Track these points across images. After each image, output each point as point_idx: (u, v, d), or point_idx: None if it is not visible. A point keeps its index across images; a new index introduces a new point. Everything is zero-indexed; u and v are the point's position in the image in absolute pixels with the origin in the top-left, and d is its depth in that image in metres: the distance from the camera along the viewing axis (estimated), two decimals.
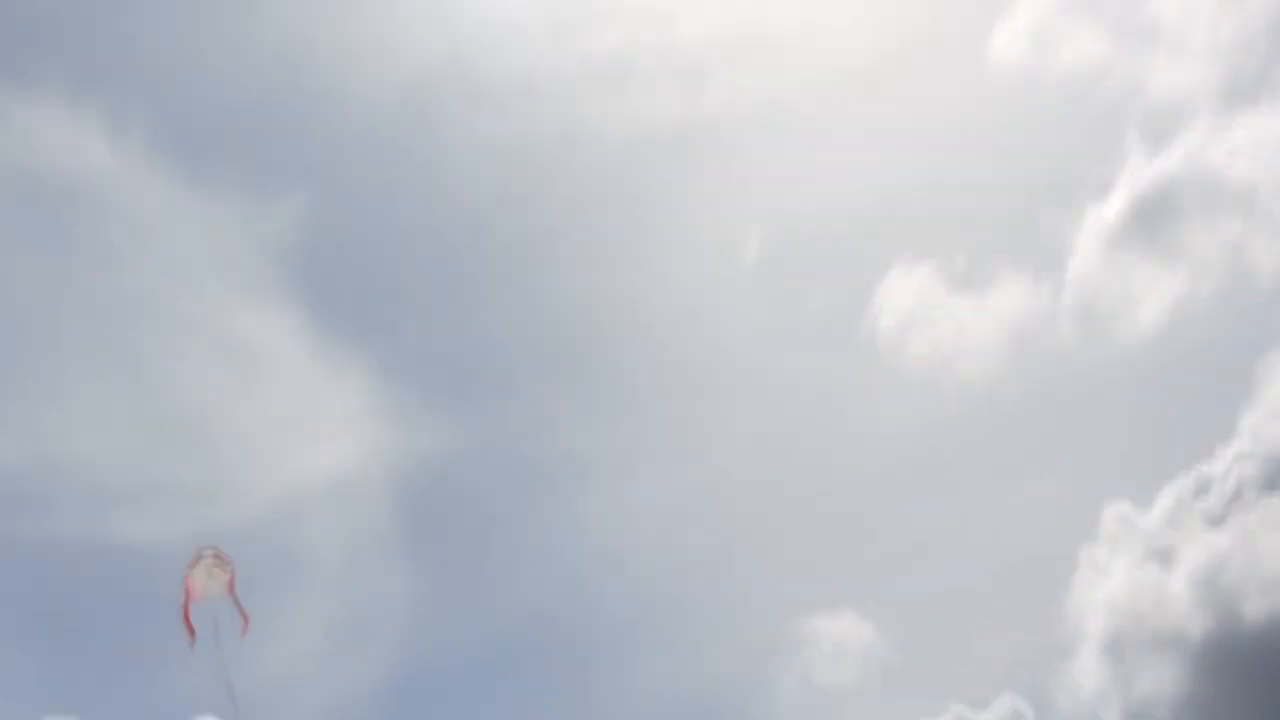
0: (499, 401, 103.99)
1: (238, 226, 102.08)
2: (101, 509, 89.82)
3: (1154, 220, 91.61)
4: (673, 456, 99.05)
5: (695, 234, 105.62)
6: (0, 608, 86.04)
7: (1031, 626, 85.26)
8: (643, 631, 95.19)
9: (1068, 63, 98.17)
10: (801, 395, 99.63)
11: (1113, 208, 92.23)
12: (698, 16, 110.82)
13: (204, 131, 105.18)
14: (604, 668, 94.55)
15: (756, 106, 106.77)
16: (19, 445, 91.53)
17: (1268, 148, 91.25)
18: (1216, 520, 78.08)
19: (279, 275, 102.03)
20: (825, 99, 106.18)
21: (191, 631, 49.17)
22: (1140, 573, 78.68)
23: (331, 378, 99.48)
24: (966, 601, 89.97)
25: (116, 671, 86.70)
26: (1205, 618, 75.18)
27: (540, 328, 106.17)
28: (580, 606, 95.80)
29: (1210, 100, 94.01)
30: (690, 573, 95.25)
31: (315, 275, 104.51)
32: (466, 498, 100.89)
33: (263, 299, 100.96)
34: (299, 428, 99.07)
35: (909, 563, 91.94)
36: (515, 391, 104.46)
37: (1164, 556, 78.37)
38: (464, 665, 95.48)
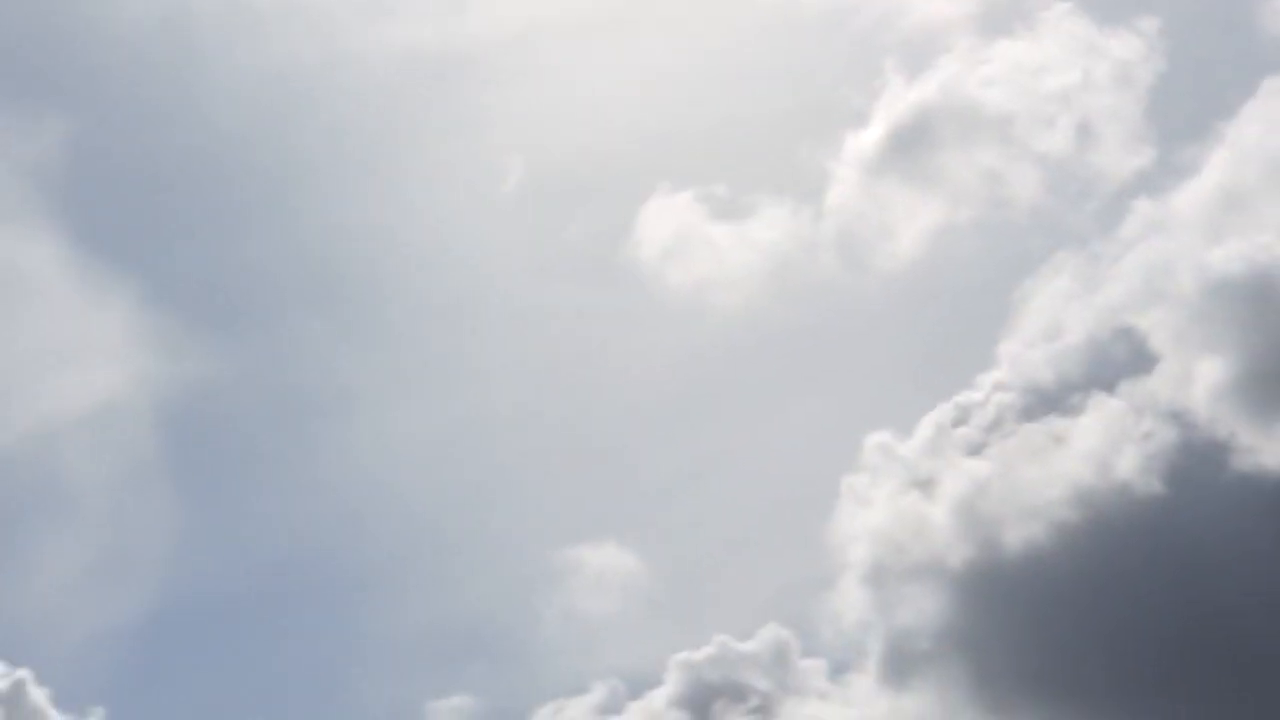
0: (262, 329, 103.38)
1: None
2: None
3: (912, 149, 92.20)
4: (437, 386, 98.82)
5: (457, 162, 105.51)
6: None
7: (795, 557, 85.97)
8: (408, 563, 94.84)
9: None
10: (563, 325, 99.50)
11: (871, 136, 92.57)
12: None
13: None
14: (369, 600, 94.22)
15: (519, 32, 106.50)
16: None
17: (1023, 76, 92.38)
18: (976, 449, 78.93)
19: (39, 200, 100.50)
20: (587, 26, 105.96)
21: None
22: (901, 502, 79.28)
23: (93, 304, 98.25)
24: (730, 532, 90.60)
25: None
26: (966, 546, 76.03)
27: (304, 255, 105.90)
28: (345, 538, 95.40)
29: (966, 29, 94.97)
30: (455, 504, 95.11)
31: (77, 200, 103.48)
32: (231, 427, 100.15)
33: (21, 224, 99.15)
34: (59, 355, 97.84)
35: (671, 493, 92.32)
36: (280, 320, 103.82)
37: (924, 485, 79.02)
38: (228, 598, 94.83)
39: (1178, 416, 74.86)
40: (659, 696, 79.18)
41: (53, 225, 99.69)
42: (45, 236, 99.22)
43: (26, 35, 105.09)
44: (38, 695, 79.55)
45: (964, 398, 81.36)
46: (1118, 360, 78.71)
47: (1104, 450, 75.08)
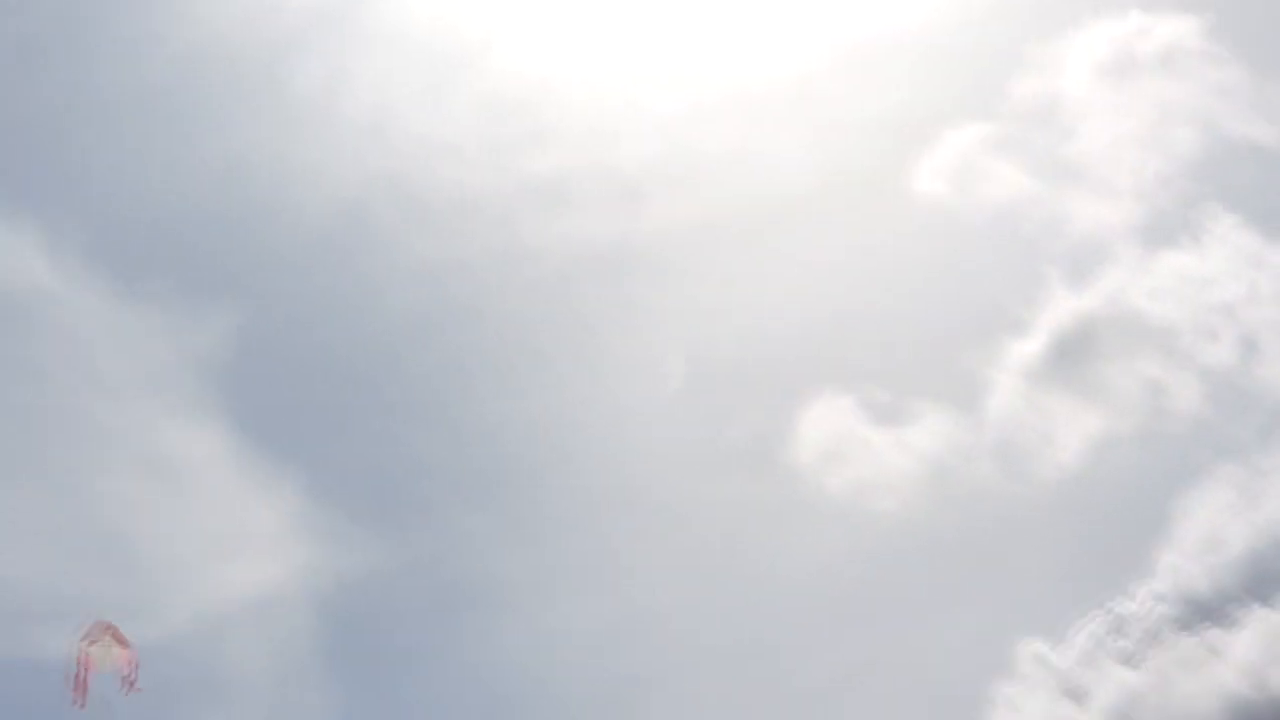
0: (423, 523, 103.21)
1: (168, 341, 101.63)
2: (23, 625, 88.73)
3: (1074, 358, 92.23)
4: (593, 582, 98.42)
5: (623, 358, 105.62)
6: None
7: None
8: None
9: (990, 198, 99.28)
10: (721, 524, 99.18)
11: (1033, 344, 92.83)
12: (636, 139, 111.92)
13: (140, 245, 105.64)
14: None
15: (691, 229, 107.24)
16: None
17: (1186, 287, 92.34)
18: (1131, 659, 78.18)
19: (208, 391, 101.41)
20: (754, 227, 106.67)
21: (83, 696, 50.70)
22: (1054, 711, 78.59)
23: (257, 496, 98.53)
24: None
25: None
26: None
27: (467, 450, 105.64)
28: None
29: (1130, 239, 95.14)
30: (608, 701, 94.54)
31: (244, 392, 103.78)
32: (389, 619, 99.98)
33: (191, 415, 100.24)
34: (223, 545, 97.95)
35: (826, 697, 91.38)
36: (440, 513, 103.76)
37: (1077, 695, 78.34)
38: None
39: None
40: None
41: (219, 417, 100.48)
42: (211, 426, 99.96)
43: (199, 223, 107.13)
44: None
45: (1120, 607, 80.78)
46: (1277, 574, 77.89)
47: (1261, 664, 74.15)
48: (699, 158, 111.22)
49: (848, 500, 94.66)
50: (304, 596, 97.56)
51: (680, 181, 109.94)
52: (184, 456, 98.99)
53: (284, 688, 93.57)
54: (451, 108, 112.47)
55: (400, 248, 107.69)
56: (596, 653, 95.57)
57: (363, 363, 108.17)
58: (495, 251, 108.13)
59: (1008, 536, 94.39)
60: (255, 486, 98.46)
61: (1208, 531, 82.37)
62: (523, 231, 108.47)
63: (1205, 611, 78.03)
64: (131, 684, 51.79)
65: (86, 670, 51.38)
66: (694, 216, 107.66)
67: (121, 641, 52.38)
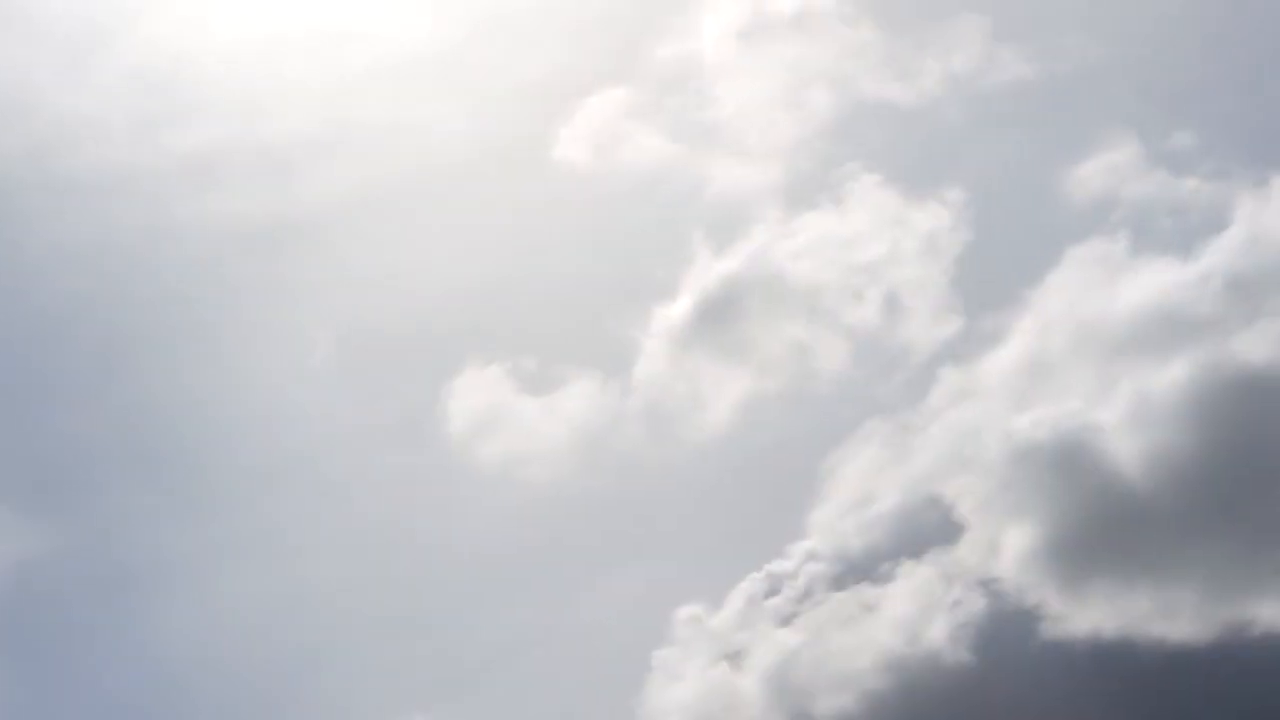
0: (82, 506, 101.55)
1: None
2: None
3: (720, 321, 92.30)
4: (255, 559, 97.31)
5: (275, 334, 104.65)
6: None
7: None
8: None
9: (631, 164, 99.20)
10: (377, 498, 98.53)
11: (679, 308, 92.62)
12: (283, 111, 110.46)
13: None
14: None
15: (339, 203, 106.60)
16: None
17: (829, 248, 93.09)
18: (786, 619, 78.41)
19: None
20: (402, 198, 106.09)
21: None
22: (711, 674, 78.42)
23: None
24: (542, 706, 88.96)
25: None
26: (777, 717, 75.19)
27: (124, 431, 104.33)
28: (168, 715, 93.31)
29: (772, 201, 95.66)
30: (273, 679, 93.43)
31: None
32: (48, 603, 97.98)
33: None
34: None
35: (483, 667, 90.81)
36: (98, 495, 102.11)
37: (734, 657, 78.29)
38: None
39: (986, 584, 74.96)
40: None
41: None
42: None
43: None
44: None
45: (775, 567, 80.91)
46: (927, 528, 78.77)
47: (914, 618, 74.93)
48: (347, 128, 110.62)
49: (500, 470, 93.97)
50: None
51: (328, 153, 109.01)
52: None
53: None
54: (96, 84, 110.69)
55: (45, 227, 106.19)
56: (262, 628, 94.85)
57: (11, 343, 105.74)
58: (145, 229, 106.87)
59: (660, 502, 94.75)
60: None
61: (857, 489, 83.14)
62: (173, 208, 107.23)
63: (858, 568, 78.68)
64: None
65: None
66: (342, 189, 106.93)
67: None
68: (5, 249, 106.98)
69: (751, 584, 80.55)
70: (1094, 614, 72.29)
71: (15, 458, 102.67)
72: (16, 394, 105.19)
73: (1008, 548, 75.53)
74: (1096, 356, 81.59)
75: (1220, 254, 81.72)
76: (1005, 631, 73.15)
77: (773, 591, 79.79)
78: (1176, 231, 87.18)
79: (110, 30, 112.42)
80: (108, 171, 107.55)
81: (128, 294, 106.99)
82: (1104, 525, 74.82)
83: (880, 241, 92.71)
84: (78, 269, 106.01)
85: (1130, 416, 77.31)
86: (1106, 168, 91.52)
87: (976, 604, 74.26)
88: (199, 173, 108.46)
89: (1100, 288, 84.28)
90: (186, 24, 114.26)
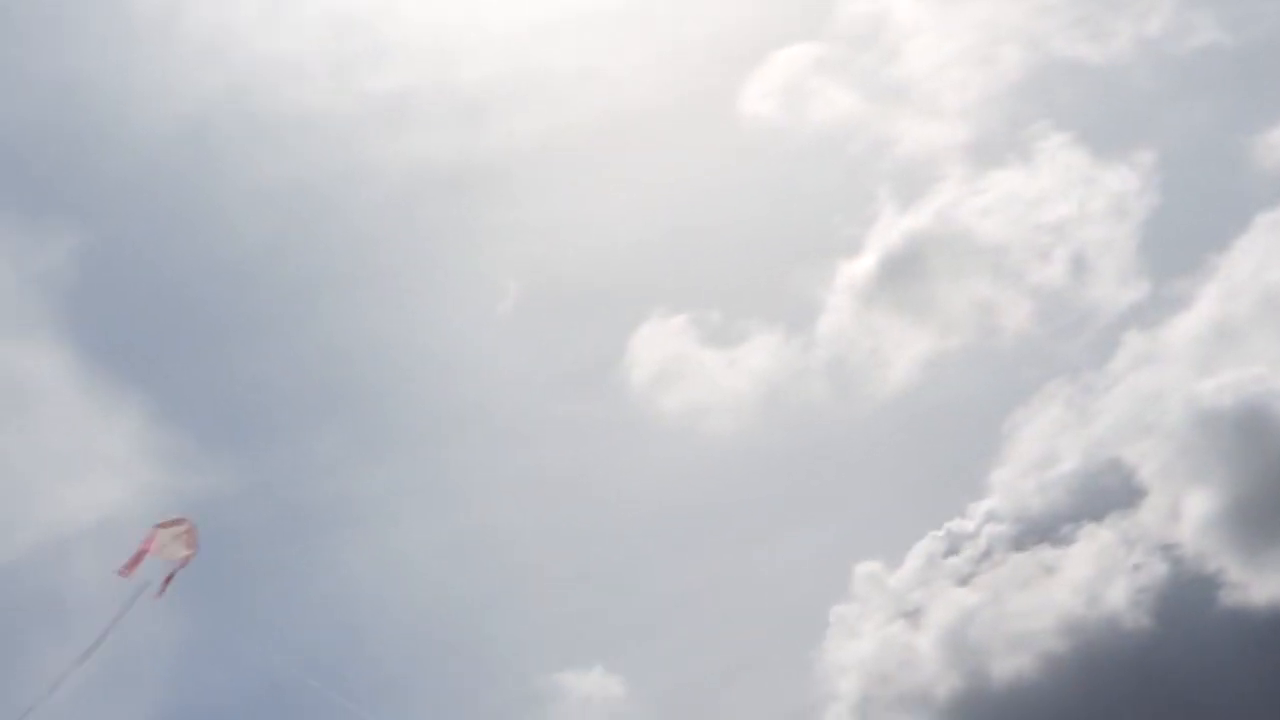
0: (267, 445, 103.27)
1: (8, 263, 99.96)
2: None
3: (904, 277, 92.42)
4: (435, 502, 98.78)
5: (460, 278, 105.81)
6: None
7: (783, 685, 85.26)
8: (403, 682, 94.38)
9: (818, 118, 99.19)
10: (558, 445, 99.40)
11: (864, 264, 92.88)
12: (476, 55, 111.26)
13: None
14: None
15: (528, 148, 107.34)
16: None
17: (1015, 206, 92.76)
18: (965, 579, 78.71)
19: (49, 313, 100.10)
20: (589, 146, 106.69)
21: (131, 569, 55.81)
22: (889, 632, 79.00)
23: (102, 417, 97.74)
24: (718, 659, 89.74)
25: None
26: (953, 677, 75.69)
27: (312, 371, 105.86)
28: (340, 657, 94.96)
29: (959, 158, 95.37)
30: (447, 624, 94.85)
31: (86, 314, 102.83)
32: (233, 540, 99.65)
33: (32, 337, 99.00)
34: (67, 467, 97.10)
35: (660, 619, 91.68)
36: (286, 435, 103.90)
37: (912, 615, 78.80)
38: (228, 714, 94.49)
39: (1166, 550, 74.81)
40: None
41: (61, 337, 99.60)
42: (53, 348, 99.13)
43: (39, 143, 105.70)
44: None
45: (955, 526, 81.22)
46: (1108, 491, 78.67)
47: (1093, 582, 74.98)
48: (538, 75, 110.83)
49: (682, 422, 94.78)
50: (149, 519, 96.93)
51: (519, 99, 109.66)
52: (26, 379, 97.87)
53: (128, 611, 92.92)
54: (293, 26, 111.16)
55: (241, 167, 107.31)
56: (441, 572, 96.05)
57: (205, 283, 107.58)
58: (336, 171, 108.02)
59: (842, 458, 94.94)
60: (99, 409, 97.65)
61: (1039, 450, 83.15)
62: (364, 150, 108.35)
63: (1038, 529, 78.73)
64: (165, 584, 56.83)
65: (146, 549, 56.88)
66: (532, 134, 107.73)
67: (191, 545, 57.73)
68: (202, 189, 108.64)
69: (931, 542, 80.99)
70: (1275, 583, 71.89)
71: (207, 395, 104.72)
72: (209, 331, 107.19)
73: (1189, 513, 75.33)
74: None
75: None
76: (1185, 598, 72.97)
77: (952, 551, 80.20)
78: None
79: None
80: (302, 112, 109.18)
81: (318, 236, 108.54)
82: None
83: (1068, 201, 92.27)
84: (270, 208, 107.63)
85: None
86: None
87: (1157, 569, 74.20)
88: (391, 115, 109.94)
89: None
90: None
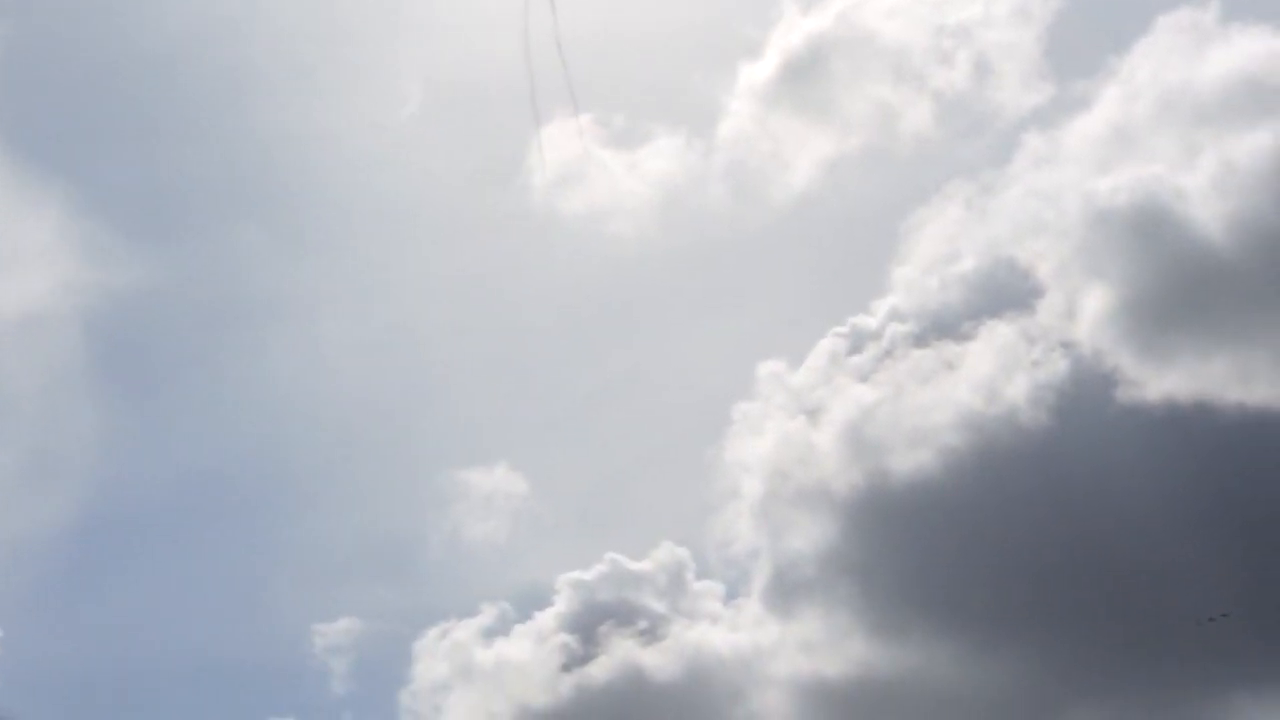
0: (190, 238, 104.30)
1: None
2: None
3: (805, 80, 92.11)
4: (354, 299, 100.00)
5: (373, 76, 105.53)
6: None
7: (687, 483, 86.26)
8: (310, 477, 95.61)
9: None
10: (469, 244, 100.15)
11: (765, 68, 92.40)
12: None
13: None
14: (269, 516, 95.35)
15: None
16: None
17: (918, 7, 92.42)
18: (866, 375, 79.25)
19: None
20: None
21: None
22: (791, 429, 79.59)
23: (23, 210, 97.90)
24: (621, 456, 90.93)
25: None
26: (853, 472, 76.47)
27: (233, 165, 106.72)
28: (257, 449, 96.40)
29: None
30: (362, 418, 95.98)
31: (7, 107, 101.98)
32: (157, 336, 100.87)
33: None
34: None
35: (563, 416, 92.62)
36: (207, 230, 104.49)
37: (814, 413, 79.36)
38: (151, 505, 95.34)
39: (1066, 348, 75.53)
40: (547, 618, 79.14)
41: None
42: None
43: None
44: None
45: (858, 322, 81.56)
46: (1007, 290, 79.29)
47: (992, 376, 75.71)
48: None
49: (584, 223, 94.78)
50: (73, 312, 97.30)
51: None
52: None
53: (50, 406, 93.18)
54: None
55: None
56: (354, 368, 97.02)
57: (128, 76, 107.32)
58: None
59: (743, 259, 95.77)
60: (20, 201, 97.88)
61: (939, 249, 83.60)
62: None
63: (940, 327, 79.26)
64: None
65: None
66: None
67: None
68: None
69: (833, 340, 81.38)
70: (1172, 379, 72.93)
71: (127, 187, 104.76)
72: (131, 124, 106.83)
73: (1086, 311, 76.00)
74: (1182, 124, 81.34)
75: None
76: (1083, 394, 73.85)
77: (855, 349, 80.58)
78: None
79: None
80: None
81: (239, 31, 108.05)
82: (1183, 290, 75.15)
83: (971, 3, 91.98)
84: (191, 5, 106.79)
85: (1214, 183, 77.30)
86: None
87: (1056, 366, 74.84)
88: None
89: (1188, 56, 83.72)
90: None
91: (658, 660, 75.90)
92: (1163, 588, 68.53)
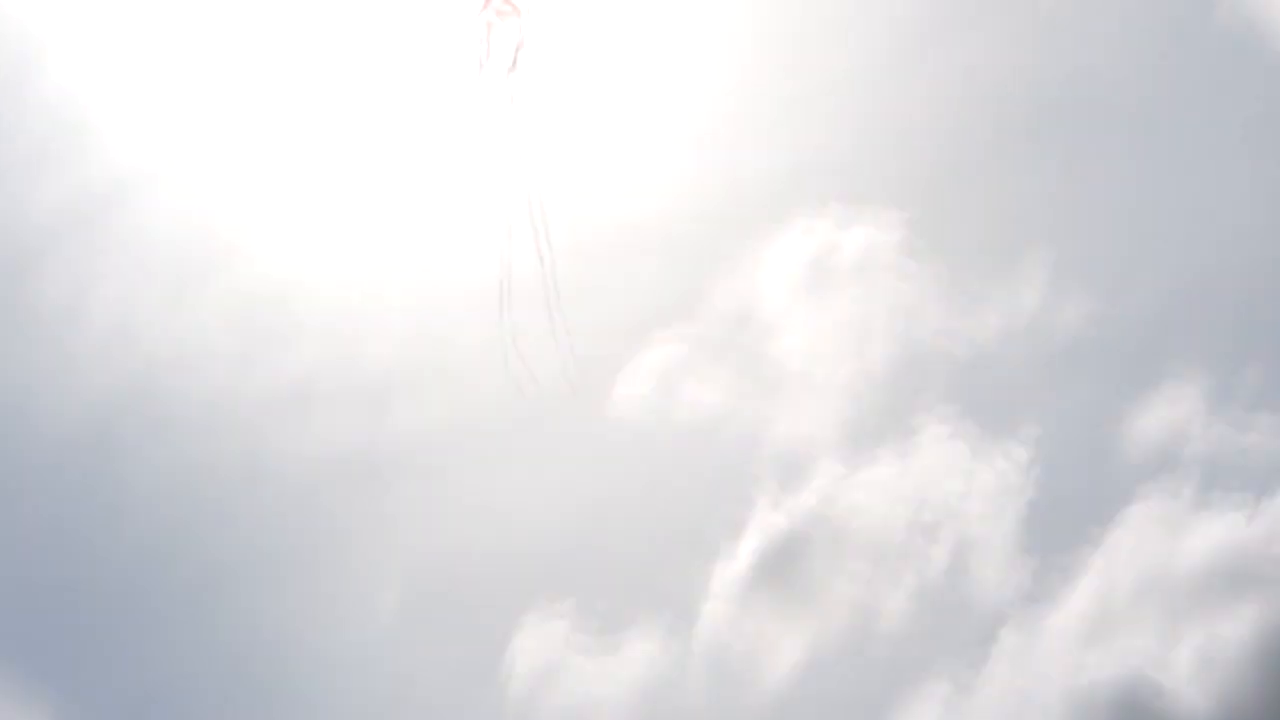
0: None
1: None
2: None
3: (783, 568, 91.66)
4: None
5: (351, 573, 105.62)
6: None
7: None
8: None
9: (688, 412, 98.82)
10: None
11: (742, 557, 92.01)
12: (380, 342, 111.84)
13: None
14: None
15: (416, 442, 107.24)
16: None
17: (893, 493, 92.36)
18: None
19: None
20: (456, 444, 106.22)
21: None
22: None
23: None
24: None
25: None
26: None
27: (219, 664, 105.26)
28: None
29: (835, 446, 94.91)
30: None
31: None
32: None
33: None
34: None
35: None
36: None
37: None
38: None
39: None
40: None
41: None
42: None
43: None
44: None
45: None
46: None
47: None
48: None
49: None
50: None
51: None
52: None
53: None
54: (197, 310, 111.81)
55: (144, 457, 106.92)
56: None
57: (111, 577, 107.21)
58: (239, 459, 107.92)
59: None
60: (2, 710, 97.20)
61: None
62: (267, 438, 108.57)
63: None
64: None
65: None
66: (420, 427, 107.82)
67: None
68: (104, 480, 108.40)
69: None
70: None
71: (114, 693, 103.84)
72: (116, 628, 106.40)
73: None
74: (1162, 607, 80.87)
75: None
76: None
77: None
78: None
79: (214, 257, 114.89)
80: (207, 401, 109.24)
81: (224, 526, 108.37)
82: None
83: (948, 487, 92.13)
84: (176, 499, 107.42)
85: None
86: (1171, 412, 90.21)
87: None
88: (296, 400, 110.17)
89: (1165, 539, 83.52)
90: (290, 249, 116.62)
91: None
92: None
